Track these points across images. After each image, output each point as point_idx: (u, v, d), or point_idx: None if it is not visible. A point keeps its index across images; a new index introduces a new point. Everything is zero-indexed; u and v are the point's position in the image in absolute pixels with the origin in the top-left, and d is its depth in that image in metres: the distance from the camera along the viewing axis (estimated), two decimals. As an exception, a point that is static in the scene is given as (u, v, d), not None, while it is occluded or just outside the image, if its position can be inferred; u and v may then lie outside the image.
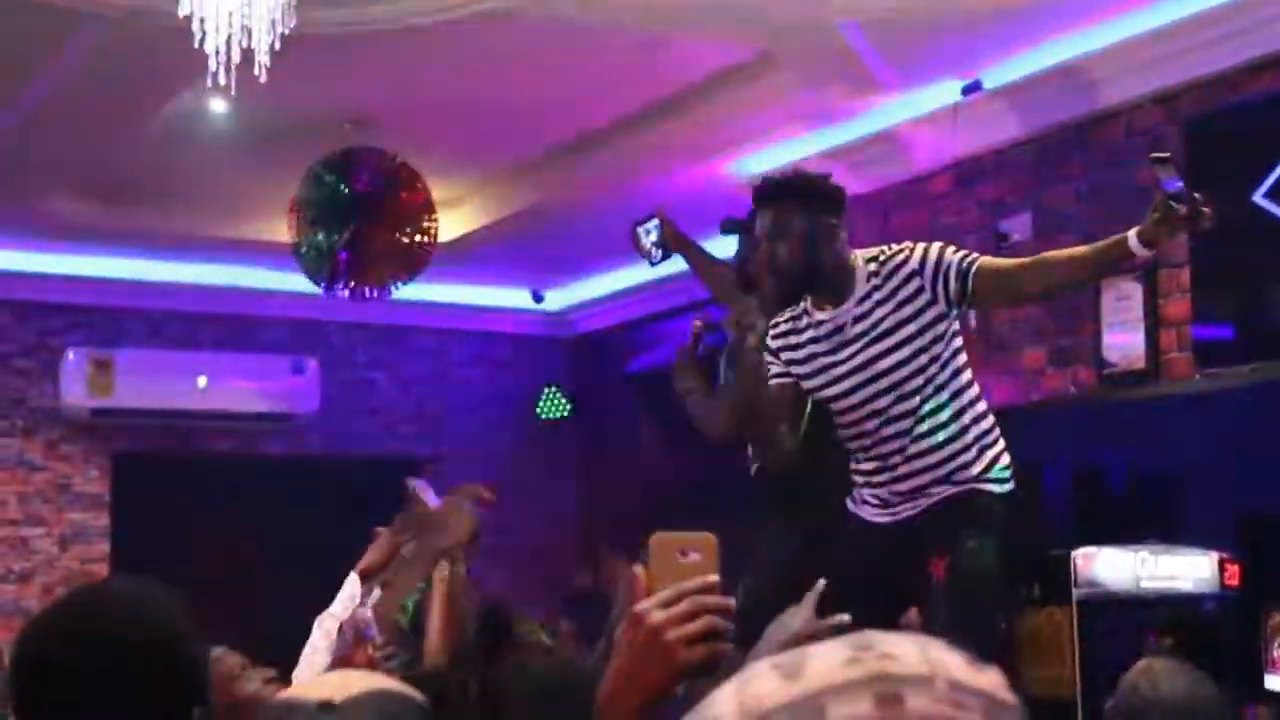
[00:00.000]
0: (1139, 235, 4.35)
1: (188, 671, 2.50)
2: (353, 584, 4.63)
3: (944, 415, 4.79)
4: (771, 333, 5.04)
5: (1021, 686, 5.87)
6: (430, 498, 4.63)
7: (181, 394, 10.96)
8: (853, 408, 4.86)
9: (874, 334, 4.78)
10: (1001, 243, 7.50)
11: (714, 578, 2.05)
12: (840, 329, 4.83)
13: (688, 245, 6.95)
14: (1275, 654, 6.71)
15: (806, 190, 4.90)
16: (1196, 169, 6.94)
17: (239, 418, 11.24)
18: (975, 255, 4.74)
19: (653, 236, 7.11)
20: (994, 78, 7.58)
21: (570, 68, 7.85)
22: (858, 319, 4.80)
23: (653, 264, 7.16)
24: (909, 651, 1.13)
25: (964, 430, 4.81)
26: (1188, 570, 7.16)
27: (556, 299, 12.06)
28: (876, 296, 4.78)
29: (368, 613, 4.30)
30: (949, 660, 1.15)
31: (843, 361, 4.84)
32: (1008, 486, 4.89)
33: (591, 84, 8.10)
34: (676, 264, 7.24)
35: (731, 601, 2.05)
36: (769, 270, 4.93)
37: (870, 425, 4.85)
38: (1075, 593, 6.96)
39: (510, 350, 12.38)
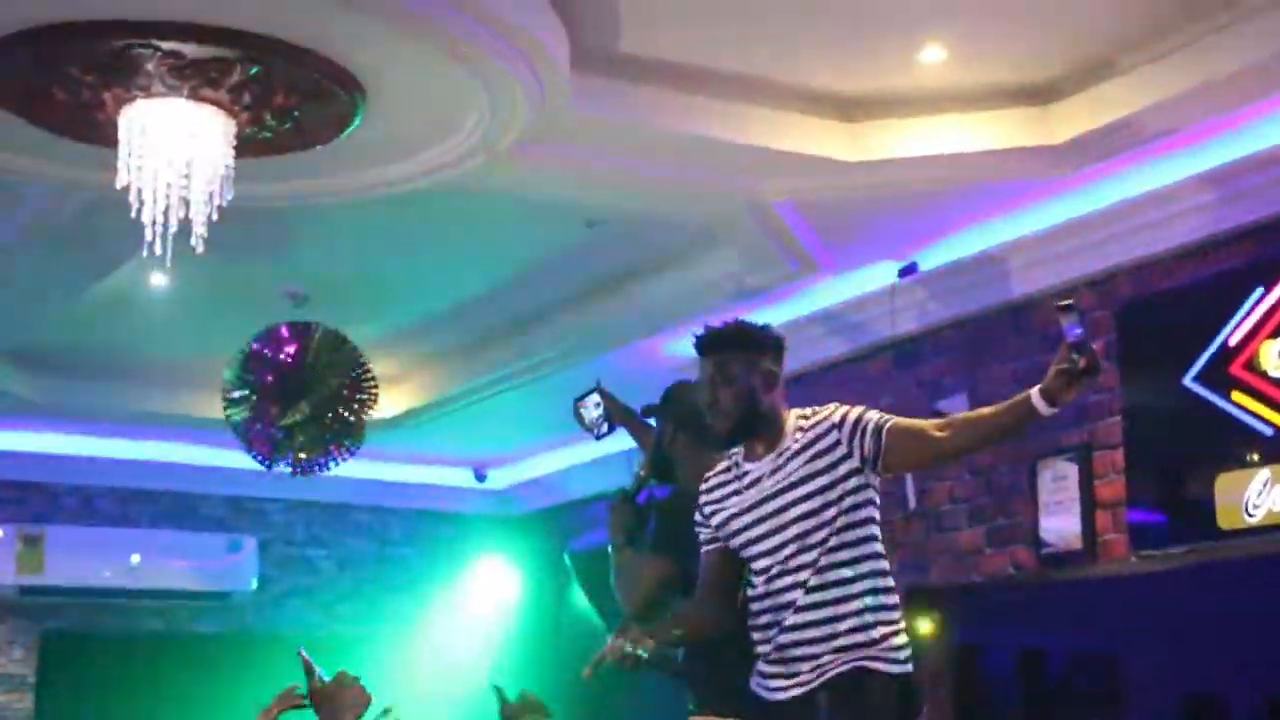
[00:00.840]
0: (1041, 393, 4.40)
1: None
2: None
3: (842, 574, 4.80)
4: (702, 492, 5.08)
5: None
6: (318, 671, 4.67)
7: (114, 572, 10.90)
8: (763, 554, 4.87)
9: (787, 482, 4.82)
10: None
11: None
12: (758, 480, 4.89)
13: (629, 417, 7.00)
14: None
15: (746, 339, 4.98)
16: (1129, 353, 7.08)
17: (173, 595, 11.16)
18: (892, 417, 4.80)
19: (596, 412, 7.15)
20: (930, 260, 7.69)
21: (517, 244, 7.94)
22: (775, 470, 4.85)
23: (597, 438, 7.20)
24: None
25: (860, 595, 4.81)
26: (1133, 760, 7.18)
27: (499, 478, 12.03)
28: (795, 449, 4.83)
29: None
30: None
31: (756, 507, 4.87)
32: (901, 669, 4.88)
33: (534, 263, 8.20)
34: (619, 444, 7.25)
35: None
36: (712, 414, 5.00)
37: (774, 572, 4.87)
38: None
39: (452, 529, 12.32)
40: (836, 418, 4.80)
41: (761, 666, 4.92)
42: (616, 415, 6.98)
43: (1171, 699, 7.90)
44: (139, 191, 5.71)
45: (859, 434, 4.73)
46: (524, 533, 12.16)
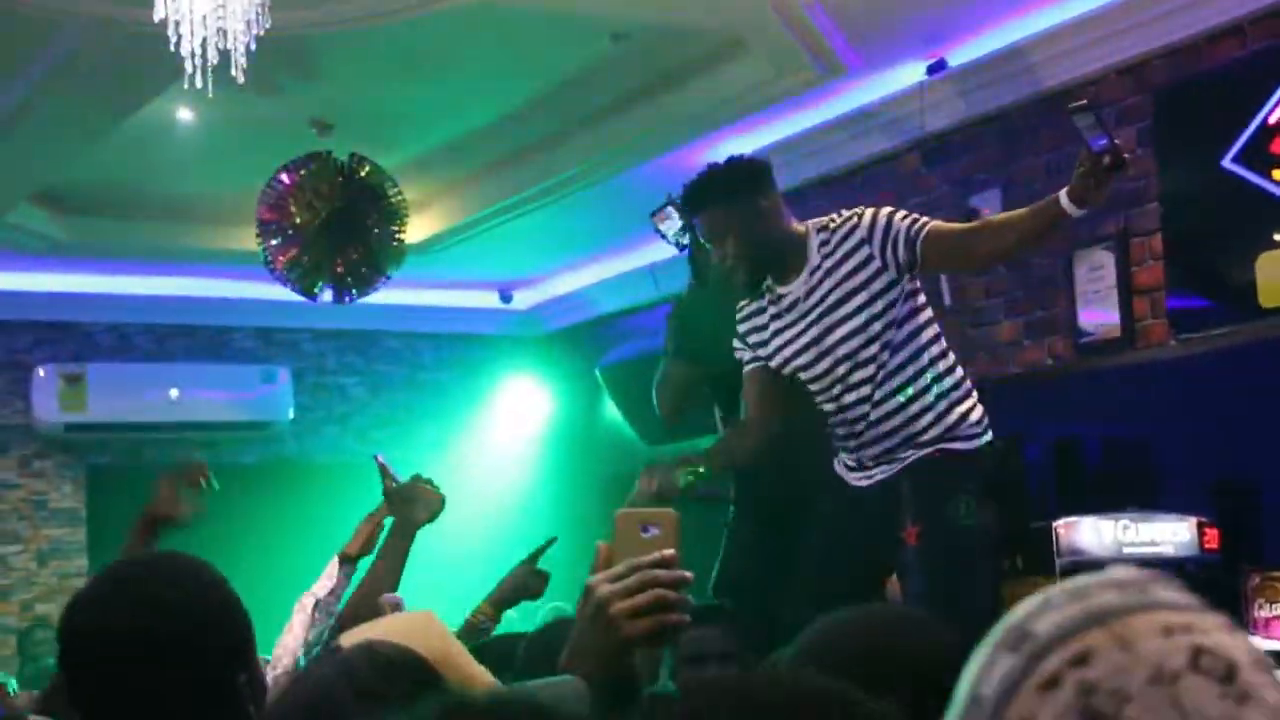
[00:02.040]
0: (1069, 194, 4.40)
1: (228, 636, 2.49)
2: (333, 567, 4.70)
3: (903, 377, 4.83)
4: (738, 319, 5.08)
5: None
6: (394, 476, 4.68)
7: (154, 406, 11.02)
8: (817, 378, 4.91)
9: (825, 305, 4.83)
10: (973, 219, 7.56)
11: (669, 552, 2.08)
12: (795, 304, 4.88)
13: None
14: (1256, 614, 6.78)
15: (728, 185, 4.94)
16: (1165, 138, 7.04)
17: (212, 427, 11.26)
18: (924, 220, 4.77)
19: (677, 223, 6.94)
20: (958, 56, 7.64)
21: (540, 62, 7.88)
22: (810, 291, 4.85)
23: (680, 249, 7.01)
24: None
25: (926, 389, 4.84)
26: (1168, 536, 7.19)
27: (524, 298, 12.08)
28: (826, 266, 4.82)
29: (396, 597, 4.34)
30: None
31: (800, 334, 4.89)
32: (979, 441, 4.90)
33: (558, 82, 8.15)
34: (643, 259, 7.23)
35: (686, 575, 2.07)
36: (725, 268, 4.98)
37: (835, 391, 4.90)
38: (1058, 562, 7.01)
39: (481, 350, 12.38)
40: (865, 229, 4.78)
41: (845, 459, 4.96)
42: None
43: (1206, 482, 7.91)
44: (176, 24, 5.66)
45: (890, 244, 4.73)
46: (552, 351, 12.25)
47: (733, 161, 5.11)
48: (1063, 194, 4.43)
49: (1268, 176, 6.54)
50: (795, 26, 7.17)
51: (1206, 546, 7.14)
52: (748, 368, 5.10)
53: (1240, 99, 6.63)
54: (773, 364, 4.99)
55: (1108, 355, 7.36)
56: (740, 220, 4.88)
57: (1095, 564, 6.95)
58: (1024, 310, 7.68)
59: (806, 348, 4.90)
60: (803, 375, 4.94)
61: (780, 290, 4.92)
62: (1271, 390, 7.34)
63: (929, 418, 4.81)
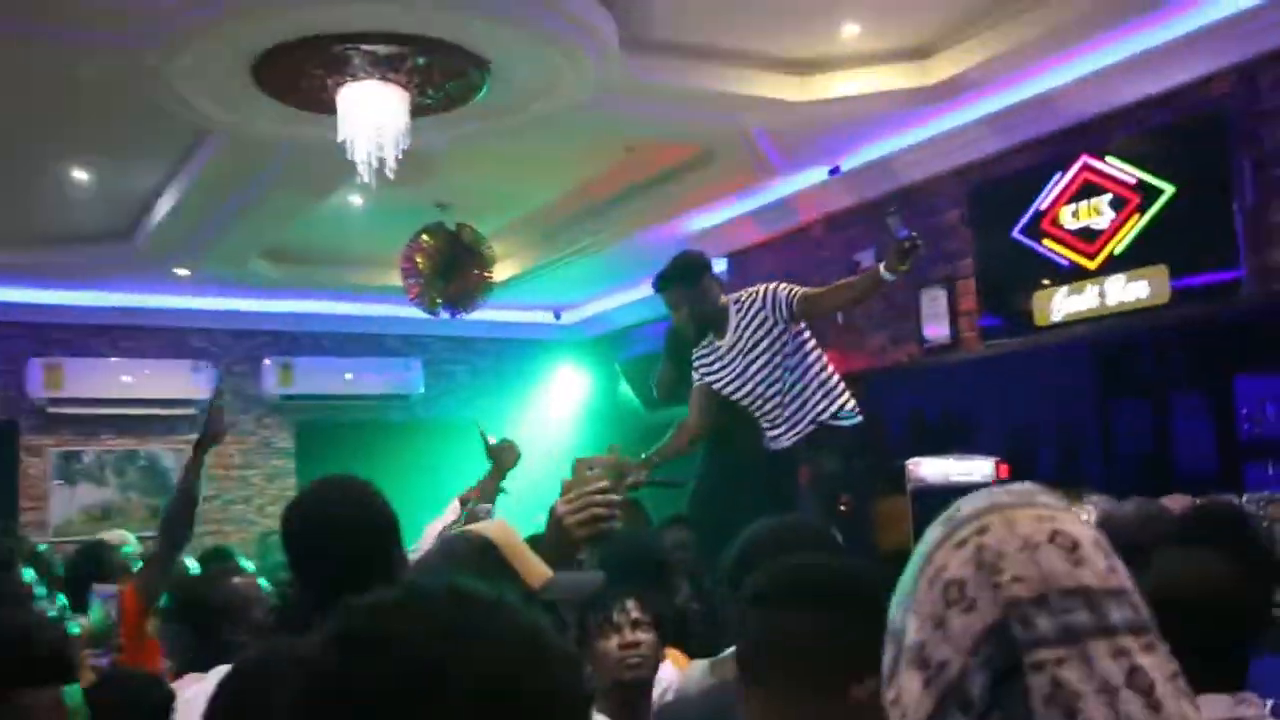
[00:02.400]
0: (885, 268, 4.52)
1: (390, 524, 2.50)
2: (454, 504, 4.75)
3: (798, 387, 4.94)
4: (694, 359, 5.20)
5: (878, 546, 6.03)
6: (491, 438, 4.66)
7: (336, 384, 11.06)
8: (743, 396, 5.02)
9: (742, 353, 4.95)
10: (855, 267, 7.61)
11: (604, 483, 2.12)
12: (726, 352, 5.00)
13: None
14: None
15: (678, 273, 5.06)
16: (975, 217, 7.10)
17: (372, 398, 11.24)
18: (797, 289, 4.91)
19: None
20: (848, 164, 7.67)
21: (580, 163, 7.91)
22: (732, 345, 4.98)
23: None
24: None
25: (814, 391, 4.94)
26: (976, 469, 7.24)
27: (570, 316, 12.09)
28: (740, 327, 4.94)
29: (487, 506, 4.35)
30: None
31: (729, 372, 5.01)
32: (850, 421, 5.01)
33: (593, 174, 8.19)
34: (646, 292, 7.23)
35: (614, 497, 2.11)
36: (681, 326, 5.11)
37: (756, 404, 5.01)
38: (909, 486, 7.05)
39: (540, 350, 12.35)
40: (760, 300, 4.94)
41: (768, 431, 5.06)
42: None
43: (1001, 434, 7.99)
44: (351, 143, 5.71)
45: (777, 307, 4.87)
46: (588, 351, 12.23)
47: (684, 257, 5.22)
48: (881, 266, 4.55)
49: (1039, 243, 6.61)
50: (746, 143, 7.22)
51: (1000, 476, 7.21)
52: (695, 385, 5.21)
53: (1023, 193, 6.70)
54: (713, 388, 5.11)
55: (942, 355, 7.43)
56: (688, 297, 5.01)
57: (932, 488, 7.06)
58: (889, 325, 7.73)
59: (733, 380, 5.03)
60: (734, 396, 5.07)
61: (717, 342, 5.05)
62: (1040, 376, 7.44)
63: (820, 406, 4.92)
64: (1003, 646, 1.00)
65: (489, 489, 4.51)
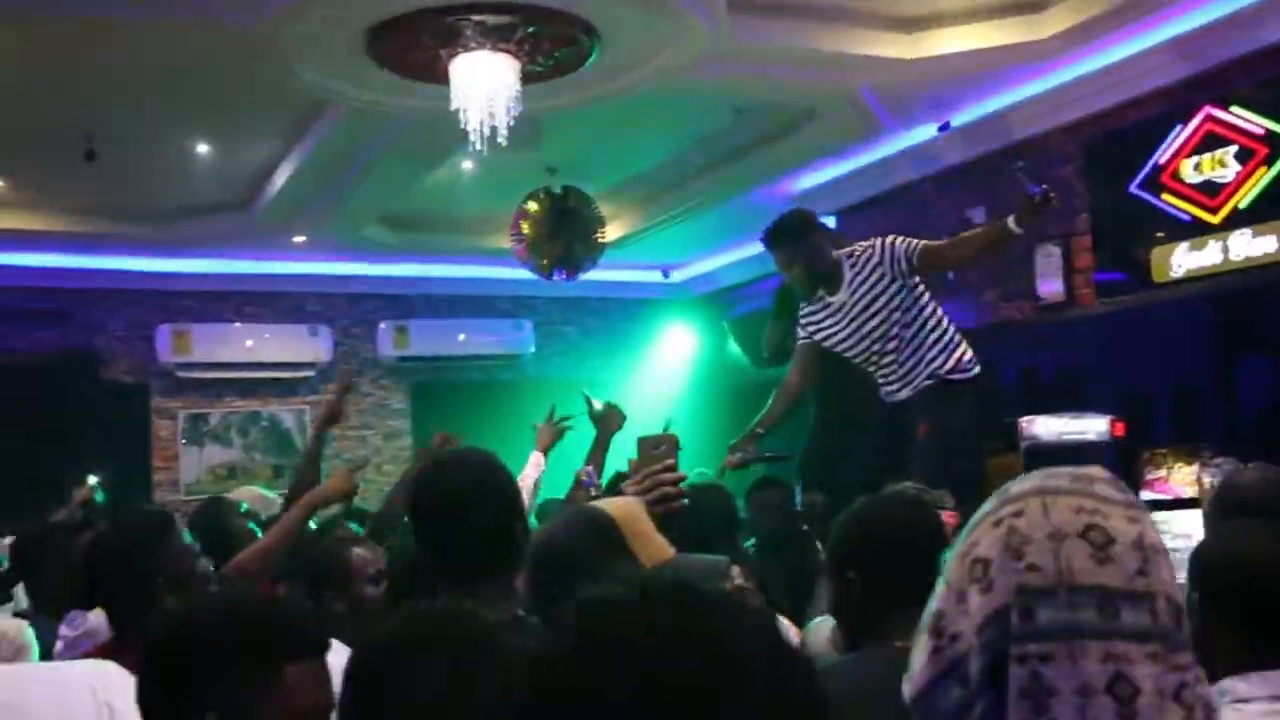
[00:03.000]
0: (1014, 221, 4.44)
1: (513, 496, 2.50)
2: (534, 458, 4.80)
3: (914, 342, 4.89)
4: (799, 314, 5.16)
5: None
6: (596, 404, 4.69)
7: (450, 345, 11.15)
8: (857, 352, 4.98)
9: (858, 308, 4.89)
10: (967, 225, 7.50)
11: (670, 461, 2.15)
12: (841, 308, 4.95)
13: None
14: (1146, 477, 6.73)
15: (787, 229, 5.00)
16: (1091, 171, 6.97)
17: (484, 359, 11.34)
18: (916, 242, 4.82)
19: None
20: (959, 120, 7.58)
21: (689, 126, 7.92)
22: (845, 302, 4.92)
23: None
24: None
25: (930, 346, 4.89)
26: (1091, 427, 7.15)
27: (678, 275, 12.10)
28: (855, 282, 4.88)
29: (590, 469, 4.38)
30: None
31: (844, 328, 4.96)
32: (970, 373, 4.95)
33: (699, 137, 8.19)
34: (755, 249, 7.23)
35: (681, 474, 2.15)
36: (792, 284, 5.07)
37: (873, 357, 4.97)
38: (1022, 445, 7.01)
39: (650, 309, 12.35)
40: (877, 254, 4.87)
41: (883, 386, 5.04)
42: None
43: (1117, 392, 7.85)
44: (464, 111, 5.80)
45: (895, 261, 4.81)
46: (696, 309, 12.22)
47: (794, 213, 5.18)
48: (1009, 220, 4.47)
49: (1159, 198, 6.49)
50: (854, 102, 7.18)
51: (1116, 434, 7.11)
52: (799, 343, 5.17)
53: (1139, 148, 6.58)
54: (823, 345, 5.06)
55: (1057, 313, 7.34)
56: (799, 251, 4.96)
57: (1045, 446, 6.98)
58: (1002, 283, 7.65)
59: (848, 337, 4.99)
60: (847, 353, 5.03)
61: (829, 298, 4.99)
62: (1160, 335, 7.29)
63: (937, 362, 4.88)
64: (1003, 632, 1.01)
65: (599, 458, 4.48)
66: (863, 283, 4.91)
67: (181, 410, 10.58)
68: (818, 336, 5.08)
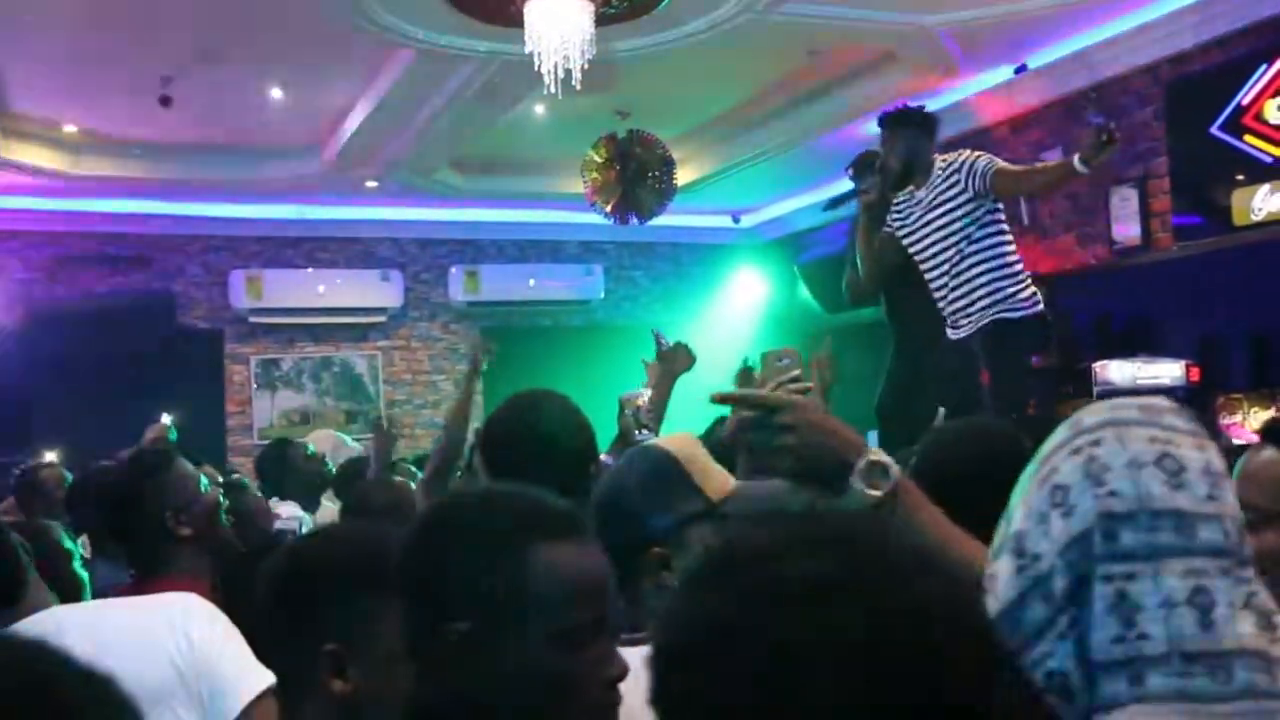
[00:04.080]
0: (1079, 158, 4.45)
1: (590, 440, 2.52)
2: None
3: (974, 261, 4.94)
4: (893, 209, 5.23)
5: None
6: (666, 342, 4.73)
7: (519, 290, 11.24)
8: (920, 252, 5.07)
9: (930, 207, 4.99)
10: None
11: (796, 372, 2.15)
12: (920, 202, 5.05)
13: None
14: (1221, 422, 6.75)
15: (902, 120, 5.09)
16: (1172, 112, 6.94)
17: (554, 304, 11.43)
18: (997, 161, 4.88)
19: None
20: (1035, 61, 7.57)
21: (762, 69, 7.95)
22: (924, 199, 5.02)
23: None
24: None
25: (990, 271, 4.94)
26: (1166, 372, 7.13)
27: (748, 219, 12.13)
28: (937, 184, 4.98)
29: (637, 401, 4.24)
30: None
31: (915, 221, 5.06)
32: (1027, 311, 4.95)
33: (772, 82, 8.21)
34: (825, 194, 7.29)
35: (808, 384, 2.08)
36: (883, 169, 5.15)
37: (931, 264, 5.05)
38: (1095, 389, 7.03)
39: (720, 254, 12.38)
40: (960, 165, 4.92)
41: (947, 324, 5.11)
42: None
43: (1192, 338, 7.82)
44: (538, 55, 5.89)
45: (972, 176, 4.87)
46: (767, 254, 12.24)
47: (921, 108, 5.26)
48: (1075, 158, 4.50)
49: (1240, 140, 6.47)
50: (930, 43, 7.19)
51: (1191, 380, 7.11)
52: (885, 230, 5.27)
53: (1221, 89, 6.56)
54: (898, 235, 5.17)
55: (1132, 257, 7.35)
56: (905, 137, 5.05)
57: (1119, 391, 7.00)
58: (1076, 226, 7.66)
59: (915, 235, 5.09)
60: (912, 250, 5.12)
61: (917, 193, 5.09)
62: (1238, 279, 7.25)
63: (993, 289, 4.93)
64: (1086, 553, 1.08)
65: (661, 395, 4.43)
66: (943, 186, 5.00)
67: (254, 356, 10.83)
68: (898, 228, 5.18)
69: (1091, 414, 1.16)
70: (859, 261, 5.53)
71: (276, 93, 8.03)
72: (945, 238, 4.97)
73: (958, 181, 4.93)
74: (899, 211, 5.18)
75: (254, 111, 8.31)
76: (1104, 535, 1.07)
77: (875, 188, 5.16)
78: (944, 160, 5.03)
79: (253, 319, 10.67)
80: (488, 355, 4.69)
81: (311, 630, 1.60)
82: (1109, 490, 1.09)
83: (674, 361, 4.64)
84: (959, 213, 4.93)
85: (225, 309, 10.61)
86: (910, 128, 5.10)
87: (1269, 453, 1.64)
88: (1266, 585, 1.62)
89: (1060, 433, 1.16)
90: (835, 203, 6.20)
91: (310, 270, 10.85)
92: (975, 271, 4.94)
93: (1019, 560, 1.12)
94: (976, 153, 4.98)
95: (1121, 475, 1.09)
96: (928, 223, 5.03)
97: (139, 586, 2.56)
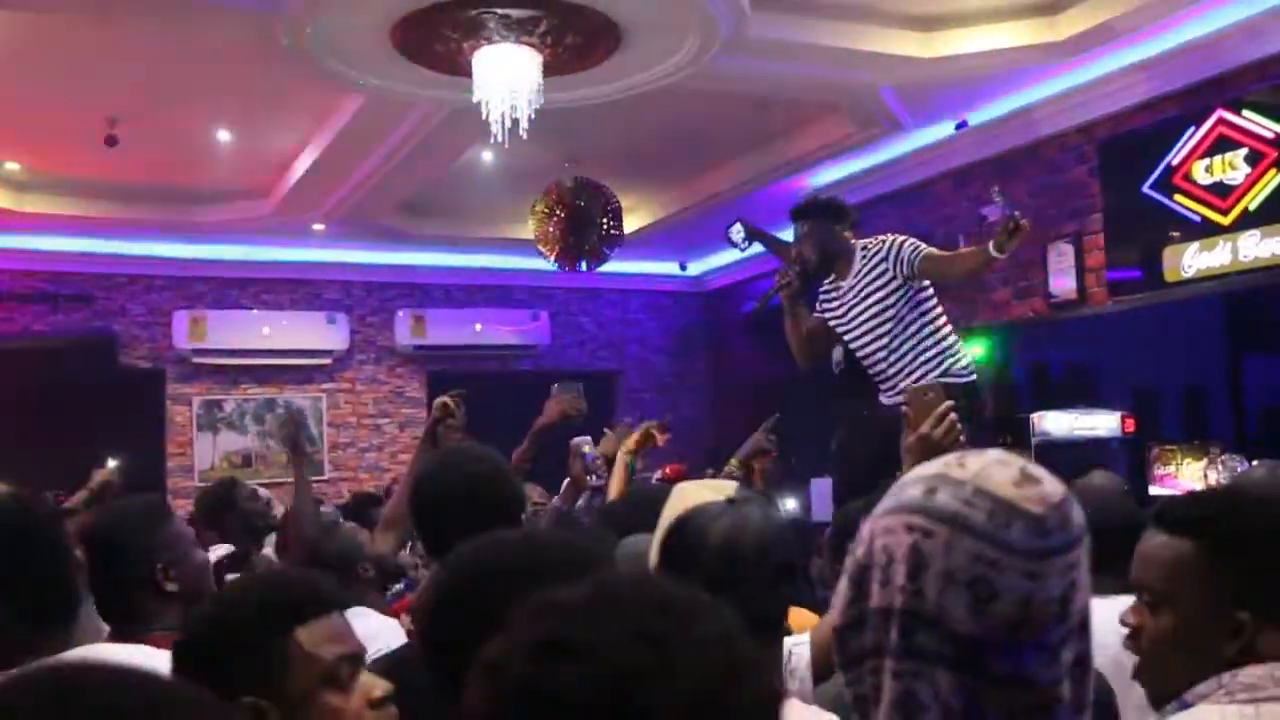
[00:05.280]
0: (994, 247, 4.52)
1: (518, 499, 2.61)
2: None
3: (909, 343, 4.99)
4: (820, 295, 5.27)
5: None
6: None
7: (466, 334, 11.26)
8: (854, 339, 5.08)
9: (859, 295, 5.00)
10: (982, 222, 7.66)
11: (949, 403, 2.36)
12: (846, 291, 5.07)
13: (761, 234, 7.19)
14: (1156, 473, 6.88)
15: (815, 210, 5.12)
16: (1106, 171, 7.11)
17: (500, 348, 11.43)
18: (922, 246, 4.92)
19: (739, 235, 7.39)
20: (976, 118, 7.71)
21: (707, 121, 8.05)
22: (851, 288, 5.04)
23: (741, 250, 7.44)
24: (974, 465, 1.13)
25: (926, 349, 4.98)
26: (1102, 423, 7.28)
27: (695, 267, 12.22)
28: (862, 271, 4.99)
29: (587, 440, 4.45)
30: (994, 474, 1.10)
31: (846, 312, 5.07)
32: (966, 379, 5.03)
33: (719, 130, 8.32)
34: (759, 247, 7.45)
35: (955, 417, 2.33)
36: (800, 260, 5.17)
37: (868, 349, 5.07)
38: (1033, 440, 7.15)
39: (666, 301, 12.49)
40: (884, 251, 4.95)
41: (879, 391, 5.14)
42: (753, 235, 7.21)
43: (1127, 389, 7.98)
44: (486, 104, 5.93)
45: (900, 262, 4.89)
46: (712, 302, 12.32)
47: (826, 197, 5.31)
48: (990, 245, 4.54)
49: (1170, 199, 6.63)
50: (872, 99, 7.32)
51: (1126, 430, 7.26)
52: (814, 318, 5.32)
53: (1152, 149, 6.72)
54: (826, 318, 5.21)
55: (1068, 310, 7.47)
56: (820, 230, 5.08)
57: (1055, 442, 7.12)
58: (1014, 280, 7.77)
59: (845, 323, 5.08)
60: (847, 337, 5.15)
61: (841, 283, 5.13)
62: (1171, 334, 7.43)
63: (930, 365, 4.97)
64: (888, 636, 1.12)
65: (612, 455, 4.50)
66: (867, 274, 5.02)
67: (197, 396, 10.76)
68: (826, 315, 5.21)
69: (928, 495, 1.14)
70: (791, 347, 5.61)
71: (224, 135, 8.05)
72: (880, 325, 4.99)
73: (885, 269, 4.96)
74: (827, 300, 5.20)
75: (201, 153, 8.32)
76: (900, 631, 1.09)
77: (796, 278, 5.18)
78: (865, 246, 5.06)
79: (196, 359, 10.60)
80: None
81: (224, 689, 1.56)
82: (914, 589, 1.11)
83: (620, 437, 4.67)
84: (890, 299, 4.95)
85: (168, 349, 10.54)
86: (824, 218, 5.11)
87: (1162, 537, 1.71)
88: (1160, 665, 1.69)
89: (912, 490, 1.15)
90: (764, 298, 6.27)
91: (255, 311, 10.82)
92: (913, 353, 4.97)
93: (853, 593, 1.14)
94: (900, 238, 5.00)
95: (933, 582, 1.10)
96: (859, 310, 5.05)
97: (119, 641, 2.39)
